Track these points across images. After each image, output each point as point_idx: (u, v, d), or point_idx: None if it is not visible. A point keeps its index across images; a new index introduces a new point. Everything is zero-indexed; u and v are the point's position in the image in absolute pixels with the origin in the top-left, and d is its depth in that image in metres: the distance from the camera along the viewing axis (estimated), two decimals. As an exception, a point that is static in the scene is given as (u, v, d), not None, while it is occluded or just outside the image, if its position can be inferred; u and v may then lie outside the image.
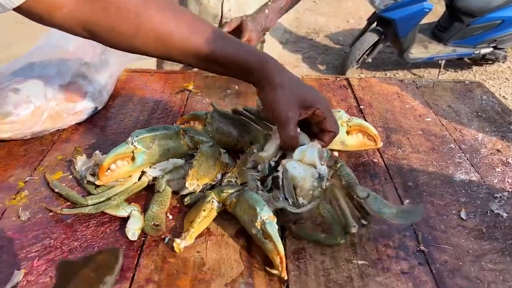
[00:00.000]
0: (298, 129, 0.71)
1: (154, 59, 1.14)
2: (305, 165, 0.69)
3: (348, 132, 0.85)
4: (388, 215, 0.64)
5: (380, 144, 0.86)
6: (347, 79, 1.18)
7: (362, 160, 0.85)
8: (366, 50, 3.62)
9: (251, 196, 0.65)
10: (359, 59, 3.63)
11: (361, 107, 1.04)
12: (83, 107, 0.91)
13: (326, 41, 4.42)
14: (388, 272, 0.62)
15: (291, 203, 0.67)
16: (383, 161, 0.85)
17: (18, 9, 0.59)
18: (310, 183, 0.67)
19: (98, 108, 0.96)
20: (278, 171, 0.70)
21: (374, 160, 0.85)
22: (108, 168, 0.71)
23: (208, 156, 0.74)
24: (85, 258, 0.44)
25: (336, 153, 0.80)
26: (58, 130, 0.90)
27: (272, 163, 0.72)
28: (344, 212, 0.64)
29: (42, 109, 0.83)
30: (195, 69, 1.20)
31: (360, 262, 0.63)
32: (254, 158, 0.74)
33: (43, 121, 0.84)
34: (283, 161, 0.69)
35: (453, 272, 0.62)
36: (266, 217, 0.60)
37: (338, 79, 1.18)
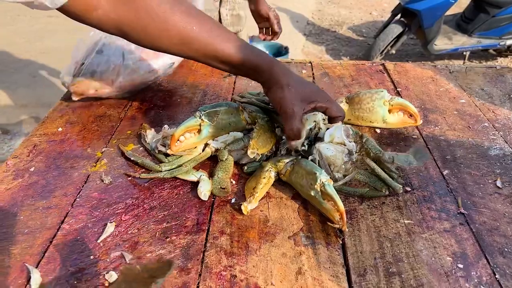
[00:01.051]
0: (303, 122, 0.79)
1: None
2: (335, 145, 0.78)
3: (389, 111, 0.92)
4: (412, 163, 0.81)
5: (420, 122, 0.92)
6: (383, 64, 1.25)
7: (403, 136, 0.93)
8: (390, 42, 3.65)
9: (308, 163, 0.74)
10: (383, 50, 3.67)
11: (398, 89, 1.11)
12: (159, 65, 1.04)
13: (349, 33, 4.45)
14: (432, 230, 0.69)
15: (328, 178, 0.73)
16: (422, 137, 0.92)
17: (59, 9, 0.66)
18: (341, 159, 0.76)
19: (174, 64, 1.10)
20: (312, 154, 0.77)
21: (414, 136, 0.93)
22: (178, 140, 0.80)
23: (265, 129, 0.83)
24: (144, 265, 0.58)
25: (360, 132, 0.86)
26: (124, 108, 1.00)
27: (305, 147, 0.80)
28: (380, 175, 0.76)
29: (120, 66, 0.97)
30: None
31: (406, 221, 0.71)
32: (287, 145, 0.81)
33: (122, 78, 0.98)
34: (317, 145, 0.77)
35: (491, 231, 0.69)
36: (325, 179, 0.69)
37: (374, 64, 1.25)
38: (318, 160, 0.76)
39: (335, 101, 0.84)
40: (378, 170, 0.76)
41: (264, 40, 1.63)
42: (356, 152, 0.78)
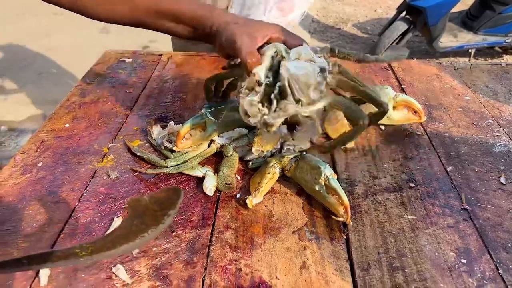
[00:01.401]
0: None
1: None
2: (304, 62, 0.67)
3: (394, 107, 0.92)
4: (390, 59, 0.79)
5: (424, 119, 0.93)
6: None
7: (407, 133, 0.93)
8: (395, 39, 3.63)
9: (312, 158, 0.74)
10: (388, 48, 3.65)
11: (402, 86, 1.11)
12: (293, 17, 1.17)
13: (354, 30, 4.44)
14: (435, 225, 0.70)
15: (304, 102, 0.65)
16: (426, 134, 0.93)
17: None
18: (314, 77, 0.66)
19: (305, 13, 1.22)
20: (280, 79, 0.65)
21: (418, 133, 0.93)
22: (184, 137, 0.81)
23: (270, 125, 0.83)
24: (150, 196, 0.51)
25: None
26: (128, 106, 1.01)
27: (269, 78, 0.68)
28: (366, 91, 0.68)
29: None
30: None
31: (410, 217, 0.71)
32: (247, 83, 0.69)
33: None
34: (283, 63, 0.66)
35: (494, 227, 0.70)
36: (330, 174, 0.69)
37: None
38: (289, 82, 0.64)
39: (292, 32, 0.77)
40: (358, 88, 0.67)
41: None
42: (329, 71, 0.68)
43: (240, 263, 0.63)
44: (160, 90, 1.08)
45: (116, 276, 0.60)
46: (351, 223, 0.69)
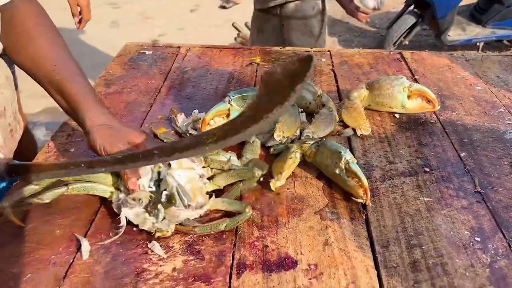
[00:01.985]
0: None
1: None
2: (186, 170, 0.70)
3: (408, 97, 0.96)
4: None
5: (438, 107, 0.96)
6: (400, 52, 1.28)
7: (421, 121, 0.96)
8: (404, 33, 3.65)
9: (333, 143, 0.78)
10: (396, 41, 3.66)
11: (415, 77, 1.14)
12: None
13: (362, 24, 4.45)
14: (450, 207, 0.74)
15: (193, 207, 0.68)
16: (440, 122, 0.96)
17: None
18: (197, 183, 0.71)
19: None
20: (168, 186, 0.68)
21: (432, 121, 0.96)
22: (208, 123, 0.85)
23: (290, 113, 0.87)
24: (283, 68, 0.47)
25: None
26: (153, 95, 1.05)
27: (152, 188, 0.70)
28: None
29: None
30: (259, 46, 1.33)
31: (426, 199, 0.75)
32: (131, 195, 0.69)
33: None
34: (168, 172, 0.69)
35: (507, 208, 0.73)
36: (350, 158, 0.73)
37: (391, 52, 1.29)
38: (177, 189, 0.67)
39: (155, 140, 0.81)
40: (235, 177, 0.75)
41: None
42: (207, 177, 0.75)
43: (266, 240, 0.67)
44: (181, 81, 1.12)
45: (152, 251, 0.65)
46: (370, 204, 0.73)
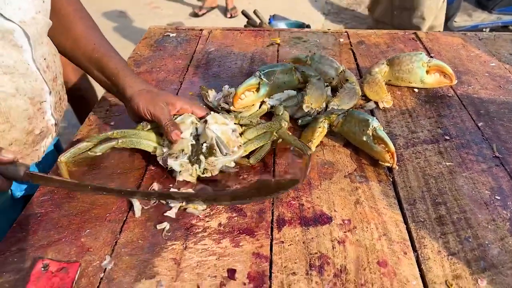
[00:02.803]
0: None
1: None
2: (221, 125, 0.79)
3: (427, 72, 1.01)
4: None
5: (455, 82, 1.01)
6: (414, 33, 1.33)
7: (439, 95, 1.01)
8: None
9: (360, 113, 0.83)
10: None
11: (431, 55, 1.19)
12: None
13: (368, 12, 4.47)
14: (471, 170, 0.79)
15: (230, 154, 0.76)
16: (457, 95, 1.01)
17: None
18: (229, 136, 0.78)
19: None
20: (207, 138, 0.76)
21: (449, 95, 1.01)
22: (240, 97, 0.90)
23: (317, 86, 0.92)
24: (276, 182, 0.73)
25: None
26: (181, 74, 1.10)
27: (193, 142, 0.78)
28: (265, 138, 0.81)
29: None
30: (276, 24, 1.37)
31: (448, 163, 0.80)
32: (172, 149, 0.78)
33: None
34: (206, 125, 0.77)
35: (524, 171, 0.79)
36: (377, 125, 0.78)
37: (406, 33, 1.33)
38: (216, 141, 0.76)
39: (196, 102, 0.87)
40: (286, 136, 0.80)
41: None
42: (239, 132, 0.82)
43: (302, 199, 0.73)
44: (207, 61, 1.17)
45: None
46: (396, 167, 0.78)
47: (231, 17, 4.23)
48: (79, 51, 0.85)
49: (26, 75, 0.72)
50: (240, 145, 0.79)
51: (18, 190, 0.83)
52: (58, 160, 0.73)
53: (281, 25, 3.03)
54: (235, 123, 0.83)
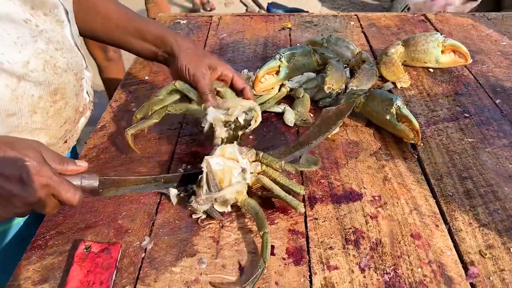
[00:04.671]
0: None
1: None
2: (226, 160, 0.68)
3: (442, 52, 1.02)
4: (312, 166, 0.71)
5: (470, 61, 1.02)
6: (424, 14, 1.34)
7: (454, 74, 1.03)
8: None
9: (383, 92, 0.84)
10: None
11: (443, 35, 1.19)
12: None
13: (365, -2, 4.47)
14: (493, 145, 0.80)
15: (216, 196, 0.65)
16: (472, 74, 1.02)
17: None
18: (230, 176, 0.67)
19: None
20: (202, 167, 0.67)
21: (464, 74, 1.03)
22: (260, 81, 0.91)
23: (337, 68, 0.93)
24: (336, 108, 0.80)
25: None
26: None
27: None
28: (280, 195, 0.67)
29: None
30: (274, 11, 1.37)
31: (470, 140, 0.82)
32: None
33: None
34: (206, 157, 0.67)
35: (544, 145, 0.80)
36: (400, 103, 0.79)
37: (415, 15, 1.34)
38: (207, 174, 0.66)
39: (238, 73, 0.85)
40: (277, 189, 0.67)
41: None
42: (251, 172, 0.69)
43: (330, 178, 0.74)
44: (220, 46, 1.17)
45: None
46: (421, 145, 0.79)
47: (210, 10, 4.18)
48: (112, 25, 0.84)
49: (71, 51, 0.73)
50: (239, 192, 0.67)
51: None
52: (125, 132, 0.74)
53: (280, 12, 3.02)
54: (254, 161, 0.71)
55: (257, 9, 3.13)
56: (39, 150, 0.55)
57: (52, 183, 0.53)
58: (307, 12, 3.14)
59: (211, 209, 0.66)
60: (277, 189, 0.67)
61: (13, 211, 0.54)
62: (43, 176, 0.53)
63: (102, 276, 0.57)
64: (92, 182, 0.60)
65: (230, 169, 0.67)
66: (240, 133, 0.76)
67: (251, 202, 0.65)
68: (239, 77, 0.82)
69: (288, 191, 0.67)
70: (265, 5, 3.15)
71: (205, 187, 0.66)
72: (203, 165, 0.67)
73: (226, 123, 0.74)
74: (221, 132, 0.74)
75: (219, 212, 0.67)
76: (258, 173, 0.70)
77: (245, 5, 3.36)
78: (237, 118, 0.75)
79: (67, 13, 0.72)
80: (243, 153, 0.70)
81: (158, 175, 0.71)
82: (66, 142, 0.75)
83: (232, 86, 0.82)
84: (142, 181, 0.70)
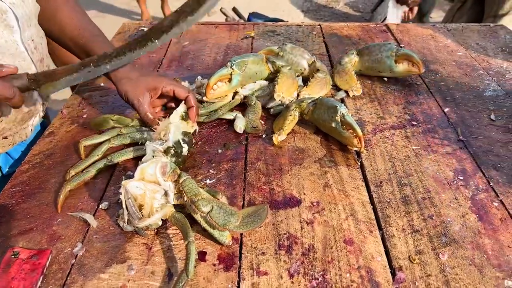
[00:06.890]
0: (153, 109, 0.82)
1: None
2: (147, 183, 0.64)
3: (396, 61, 1.03)
4: (233, 226, 0.60)
5: (423, 70, 1.03)
6: (386, 25, 1.36)
7: (408, 83, 1.04)
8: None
9: (329, 100, 0.85)
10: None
11: (401, 46, 1.22)
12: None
13: (346, 9, 4.53)
14: (436, 153, 0.82)
15: (138, 225, 0.63)
16: (425, 83, 1.04)
17: None
18: (151, 200, 0.63)
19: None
20: (120, 193, 0.64)
21: (418, 83, 1.04)
22: (212, 88, 0.91)
23: (288, 76, 0.94)
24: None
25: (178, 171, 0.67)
26: (155, 67, 1.11)
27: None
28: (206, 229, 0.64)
29: None
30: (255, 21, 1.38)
31: (414, 147, 0.83)
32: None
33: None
34: (123, 183, 0.63)
35: (486, 152, 0.82)
36: (345, 111, 0.80)
37: (378, 25, 1.36)
38: (125, 200, 0.63)
39: (180, 83, 0.88)
40: (203, 223, 0.64)
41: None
42: (174, 193, 0.66)
43: (272, 184, 0.74)
44: (181, 54, 1.18)
45: (169, 196, 0.71)
46: (364, 152, 0.80)
47: None
48: (65, 37, 0.86)
49: (15, 55, 0.74)
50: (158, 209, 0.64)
51: (5, 166, 0.84)
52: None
53: (260, 22, 3.04)
54: (175, 193, 0.66)
55: (237, 19, 3.15)
56: None
57: None
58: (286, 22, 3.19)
59: (137, 229, 0.65)
60: (202, 222, 0.64)
61: None
62: None
63: (25, 282, 0.56)
64: (21, 80, 0.64)
65: (152, 193, 0.64)
66: (184, 154, 0.77)
67: (177, 216, 0.64)
68: (180, 88, 0.83)
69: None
70: (246, 16, 3.17)
71: (126, 212, 0.63)
72: (121, 190, 0.63)
73: (165, 151, 0.74)
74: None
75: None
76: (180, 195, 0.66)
77: (225, 15, 3.38)
78: (178, 140, 0.76)
79: (17, 19, 0.72)
80: (166, 174, 0.65)
81: (85, 60, 0.70)
82: (6, 138, 0.76)
83: (176, 99, 0.83)
84: (71, 70, 0.69)
